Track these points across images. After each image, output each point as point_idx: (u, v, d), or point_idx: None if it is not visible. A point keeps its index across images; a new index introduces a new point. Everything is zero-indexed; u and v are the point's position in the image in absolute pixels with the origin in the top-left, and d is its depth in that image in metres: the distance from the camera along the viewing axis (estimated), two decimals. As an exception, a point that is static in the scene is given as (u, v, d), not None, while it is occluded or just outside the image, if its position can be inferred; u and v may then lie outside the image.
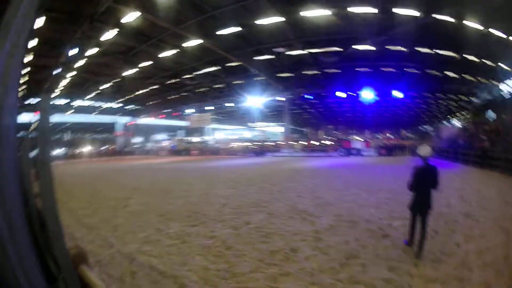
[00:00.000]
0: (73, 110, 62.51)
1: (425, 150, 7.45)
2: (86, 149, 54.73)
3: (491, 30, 25.99)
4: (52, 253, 3.31)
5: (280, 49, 34.63)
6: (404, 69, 39.98)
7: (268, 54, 36.35)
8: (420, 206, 7.27)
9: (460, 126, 55.48)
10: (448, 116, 72.32)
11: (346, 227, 9.43)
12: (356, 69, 41.37)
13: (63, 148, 75.24)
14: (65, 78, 43.18)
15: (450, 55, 33.45)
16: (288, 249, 7.70)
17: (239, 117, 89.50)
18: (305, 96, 53.80)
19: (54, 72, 36.57)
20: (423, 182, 7.25)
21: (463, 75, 41.03)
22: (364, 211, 11.41)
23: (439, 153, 38.42)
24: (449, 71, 39.93)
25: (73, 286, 2.80)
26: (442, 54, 33.39)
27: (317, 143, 67.86)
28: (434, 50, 32.45)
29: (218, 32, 29.38)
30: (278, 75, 46.16)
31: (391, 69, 40.55)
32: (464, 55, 33.02)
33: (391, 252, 7.37)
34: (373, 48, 32.72)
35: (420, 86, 47.82)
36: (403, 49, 33.00)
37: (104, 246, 8.21)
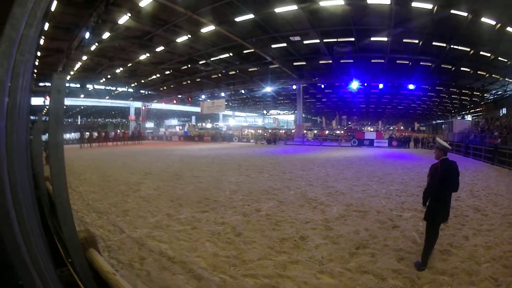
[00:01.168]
0: (86, 94, 62.54)
1: (445, 143, 6.49)
2: (98, 133, 54.26)
3: (508, 28, 25.75)
4: (60, 236, 3.31)
5: (296, 38, 34.48)
6: (420, 62, 39.65)
7: (283, 42, 36.21)
8: (442, 214, 6.23)
9: (473, 121, 55.16)
10: (460, 110, 71.90)
11: (356, 217, 9.44)
12: (372, 60, 41.13)
13: (75, 132, 75.51)
14: (79, 61, 43.23)
15: (465, 50, 33.18)
16: (298, 237, 7.70)
17: (252, 104, 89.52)
18: (319, 85, 53.46)
19: (68, 55, 36.54)
20: (446, 184, 6.12)
21: (478, 72, 40.69)
22: (375, 201, 11.40)
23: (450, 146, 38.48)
24: (463, 66, 39.56)
25: (82, 270, 2.79)
26: (457, 49, 33.09)
27: (330, 133, 68.00)
28: (449, 44, 32.14)
29: (236, 19, 29.10)
30: (292, 63, 45.93)
31: (406, 62, 40.20)
32: (478, 51, 32.76)
33: (401, 243, 7.36)
34: (388, 39, 32.46)
35: (434, 80, 47.51)
36: (417, 41, 32.73)
37: (114, 231, 8.24)
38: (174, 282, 5.53)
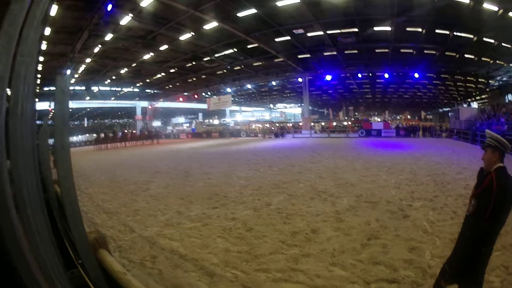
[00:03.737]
0: (91, 96, 62.67)
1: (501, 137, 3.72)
2: (105, 135, 53.54)
3: (511, 14, 25.55)
4: (70, 238, 3.31)
5: (299, 31, 34.46)
6: (424, 51, 39.59)
7: (287, 36, 36.24)
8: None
9: (479, 108, 54.98)
10: (466, 98, 71.63)
11: (367, 208, 9.40)
12: (376, 50, 41.13)
13: (82, 135, 75.85)
14: (84, 64, 43.39)
15: (468, 37, 33.07)
16: (309, 230, 7.70)
17: (259, 99, 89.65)
18: (325, 77, 53.13)
19: (72, 58, 36.60)
20: (501, 218, 3.37)
21: (482, 58, 40.43)
22: (385, 191, 11.37)
23: (457, 134, 39.14)
24: (467, 53, 39.41)
25: (92, 271, 2.80)
26: (460, 36, 32.98)
27: (338, 124, 67.94)
28: (452, 32, 32.08)
29: (238, 14, 29.07)
30: (297, 56, 46.06)
31: (410, 50, 40.15)
32: (482, 37, 32.58)
33: (411, 232, 7.31)
34: (392, 29, 32.41)
35: (438, 68, 47.44)
36: (421, 30, 32.64)
37: (125, 231, 8.28)
38: (186, 279, 5.55)
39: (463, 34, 32.40)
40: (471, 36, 32.55)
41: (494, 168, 3.50)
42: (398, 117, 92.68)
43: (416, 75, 46.72)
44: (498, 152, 3.58)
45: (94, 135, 63.49)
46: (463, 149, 26.45)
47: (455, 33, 32.22)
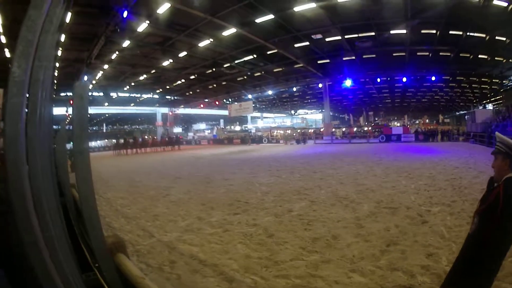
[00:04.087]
0: (110, 101, 63.07)
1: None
2: (125, 140, 53.68)
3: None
4: (87, 242, 3.31)
5: (318, 36, 34.45)
6: (440, 53, 39.54)
7: (305, 41, 36.35)
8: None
9: (494, 110, 54.41)
10: (481, 100, 70.96)
11: (387, 214, 9.34)
12: (394, 54, 41.11)
13: (101, 140, 76.48)
14: (101, 70, 43.82)
15: (480, 36, 32.95)
16: (330, 236, 7.65)
17: (280, 105, 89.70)
18: (344, 82, 52.91)
19: (89, 65, 36.88)
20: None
21: (495, 58, 40.10)
22: (405, 197, 11.28)
23: (474, 138, 39.06)
24: (481, 53, 39.32)
25: (109, 275, 2.79)
26: (473, 36, 32.86)
27: (358, 130, 67.82)
28: (465, 32, 32.03)
29: (256, 20, 29.11)
30: (316, 61, 46.19)
31: (426, 53, 40.13)
32: (494, 36, 32.31)
33: (429, 238, 7.26)
34: (407, 32, 32.36)
35: (454, 70, 47.27)
36: (435, 32, 32.61)
37: (144, 236, 8.28)
38: (204, 284, 5.54)
39: (475, 34, 32.37)
40: (483, 35, 32.46)
41: (502, 180, 3.00)
42: (417, 122, 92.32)
43: (433, 78, 46.81)
44: (510, 159, 3.05)
45: (114, 140, 64.06)
46: (479, 153, 26.24)
47: (467, 33, 32.22)
